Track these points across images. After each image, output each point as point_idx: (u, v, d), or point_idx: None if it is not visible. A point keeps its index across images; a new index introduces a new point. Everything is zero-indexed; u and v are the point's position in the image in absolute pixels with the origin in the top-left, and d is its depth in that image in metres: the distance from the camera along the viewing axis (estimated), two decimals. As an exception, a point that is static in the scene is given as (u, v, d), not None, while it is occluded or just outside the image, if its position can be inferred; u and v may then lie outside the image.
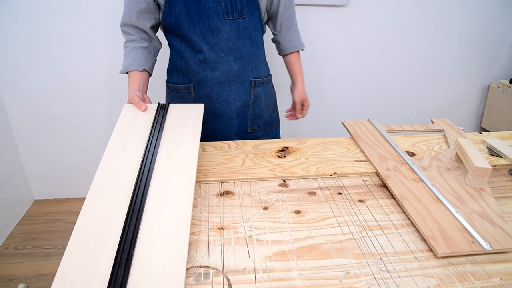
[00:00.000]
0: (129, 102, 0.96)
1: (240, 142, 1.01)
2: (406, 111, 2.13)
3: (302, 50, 1.18)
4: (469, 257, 0.61)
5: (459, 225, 0.68)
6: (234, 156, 0.92)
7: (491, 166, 0.78)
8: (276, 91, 1.26)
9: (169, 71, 1.13)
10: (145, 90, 1.04)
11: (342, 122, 1.13)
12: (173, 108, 0.92)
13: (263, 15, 1.07)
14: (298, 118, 1.20)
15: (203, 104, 0.95)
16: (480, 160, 0.80)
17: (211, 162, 0.89)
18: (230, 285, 0.54)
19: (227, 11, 0.98)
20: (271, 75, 1.20)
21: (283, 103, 1.38)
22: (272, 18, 1.14)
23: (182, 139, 0.81)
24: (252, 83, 1.09)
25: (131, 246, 0.56)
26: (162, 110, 0.90)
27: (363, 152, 0.95)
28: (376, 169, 0.86)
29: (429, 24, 1.91)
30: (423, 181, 0.81)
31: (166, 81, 1.15)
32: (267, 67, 1.18)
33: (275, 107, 1.23)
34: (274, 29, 1.16)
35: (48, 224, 1.86)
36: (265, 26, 1.14)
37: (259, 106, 1.14)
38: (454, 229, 0.67)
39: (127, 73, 1.04)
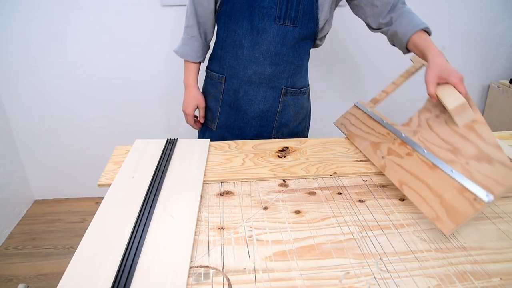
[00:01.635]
0: (186, 112, 1.15)
1: (240, 142, 1.01)
2: (406, 111, 2.13)
3: (427, 30, 0.95)
4: (469, 257, 0.61)
5: (458, 185, 0.66)
6: (234, 156, 0.92)
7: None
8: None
9: (210, 58, 1.15)
10: (196, 80, 1.16)
11: (334, 123, 1.12)
12: (181, 142, 0.97)
13: (320, 28, 1.01)
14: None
15: (208, 140, 0.99)
16: (452, 98, 0.75)
17: (211, 162, 0.89)
18: (230, 285, 0.54)
19: (279, 15, 0.96)
20: (308, 86, 1.16)
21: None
22: (378, 21, 1.01)
23: (188, 166, 0.85)
24: (283, 91, 1.07)
25: (136, 255, 0.58)
26: (170, 144, 0.95)
27: (360, 151, 0.95)
28: (374, 164, 0.87)
29: (429, 24, 1.91)
30: (416, 150, 0.79)
31: (206, 67, 1.17)
32: (306, 79, 1.14)
33: (304, 119, 1.19)
34: (386, 26, 1.00)
35: (48, 224, 1.86)
36: (321, 42, 1.09)
37: (287, 115, 1.11)
38: (454, 193, 0.65)
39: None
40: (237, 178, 0.83)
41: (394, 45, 1.03)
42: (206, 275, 0.56)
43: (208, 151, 0.94)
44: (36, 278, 1.52)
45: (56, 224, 1.86)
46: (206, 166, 0.87)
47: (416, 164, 0.77)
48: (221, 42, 1.06)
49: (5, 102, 1.78)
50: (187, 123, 1.19)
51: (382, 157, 0.86)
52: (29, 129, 1.86)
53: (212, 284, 0.55)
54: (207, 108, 1.17)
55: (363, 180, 0.84)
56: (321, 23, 1.00)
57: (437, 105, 0.84)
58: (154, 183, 0.77)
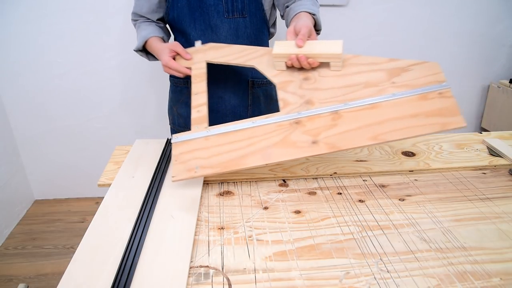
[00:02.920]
0: (164, 62, 0.93)
1: (240, 142, 1.01)
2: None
3: (315, 16, 0.94)
4: (469, 257, 0.61)
5: (416, 97, 0.72)
6: (234, 156, 0.92)
7: (492, 165, 0.76)
8: None
9: None
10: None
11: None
12: None
13: (268, 16, 1.06)
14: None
15: None
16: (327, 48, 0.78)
17: (211, 162, 0.89)
18: (230, 285, 0.54)
19: (227, 9, 0.99)
20: None
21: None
22: (284, 6, 1.04)
23: None
24: (250, 83, 1.09)
25: (136, 255, 0.58)
26: (170, 144, 0.95)
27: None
28: (310, 155, 0.73)
29: (429, 24, 1.91)
30: (338, 111, 0.74)
31: (170, 76, 1.17)
32: None
33: (277, 111, 1.22)
34: (286, 4, 1.04)
35: (48, 224, 1.86)
36: (273, 29, 1.12)
37: (259, 107, 1.13)
38: (424, 103, 0.71)
39: (141, 50, 1.04)
40: (237, 178, 0.83)
41: (287, 27, 1.04)
42: (206, 275, 0.56)
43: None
44: (36, 278, 1.52)
45: (56, 224, 1.85)
46: (206, 166, 0.86)
47: (357, 117, 0.72)
48: None
49: (5, 102, 1.78)
50: (173, 71, 0.94)
51: (313, 142, 0.72)
52: (29, 129, 1.86)
53: (212, 284, 0.55)
54: (179, 116, 1.15)
55: (363, 180, 0.84)
56: (267, 9, 1.04)
57: (294, 71, 0.82)
58: (154, 183, 0.77)
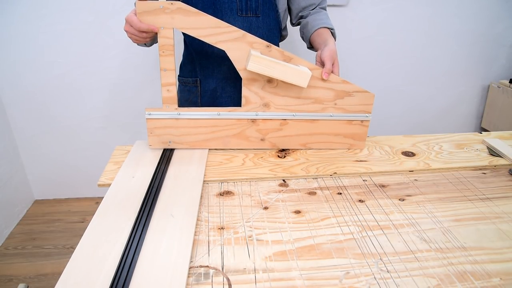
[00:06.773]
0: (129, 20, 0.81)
1: (240, 142, 1.01)
2: (406, 111, 2.13)
3: (333, 31, 1.01)
4: (469, 257, 0.61)
5: (344, 121, 0.90)
6: (234, 156, 0.92)
7: (492, 165, 0.76)
8: None
9: (181, 65, 1.15)
10: None
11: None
12: None
13: (281, 17, 1.06)
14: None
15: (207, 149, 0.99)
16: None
17: (211, 162, 0.89)
18: (230, 285, 0.54)
19: (241, 8, 0.99)
20: None
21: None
22: (297, 10, 1.07)
23: (188, 166, 0.86)
24: None
25: (135, 254, 0.58)
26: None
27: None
28: (255, 149, 0.93)
29: (429, 24, 1.91)
30: (286, 119, 0.90)
31: (178, 75, 1.16)
32: None
33: None
34: (303, 18, 1.07)
35: (48, 224, 1.86)
36: (285, 32, 1.12)
37: None
38: (347, 127, 0.91)
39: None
40: (237, 178, 0.83)
41: (303, 38, 1.10)
42: (206, 275, 0.56)
43: (208, 151, 0.94)
44: (36, 278, 1.52)
45: (56, 224, 1.86)
46: (206, 166, 0.87)
47: (298, 127, 0.91)
48: (190, 45, 1.06)
49: (5, 102, 1.78)
50: (133, 30, 0.82)
51: (261, 139, 0.92)
52: (29, 129, 1.86)
53: (212, 284, 0.55)
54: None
55: (363, 180, 0.84)
56: (281, 11, 1.04)
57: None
58: (154, 183, 0.77)
